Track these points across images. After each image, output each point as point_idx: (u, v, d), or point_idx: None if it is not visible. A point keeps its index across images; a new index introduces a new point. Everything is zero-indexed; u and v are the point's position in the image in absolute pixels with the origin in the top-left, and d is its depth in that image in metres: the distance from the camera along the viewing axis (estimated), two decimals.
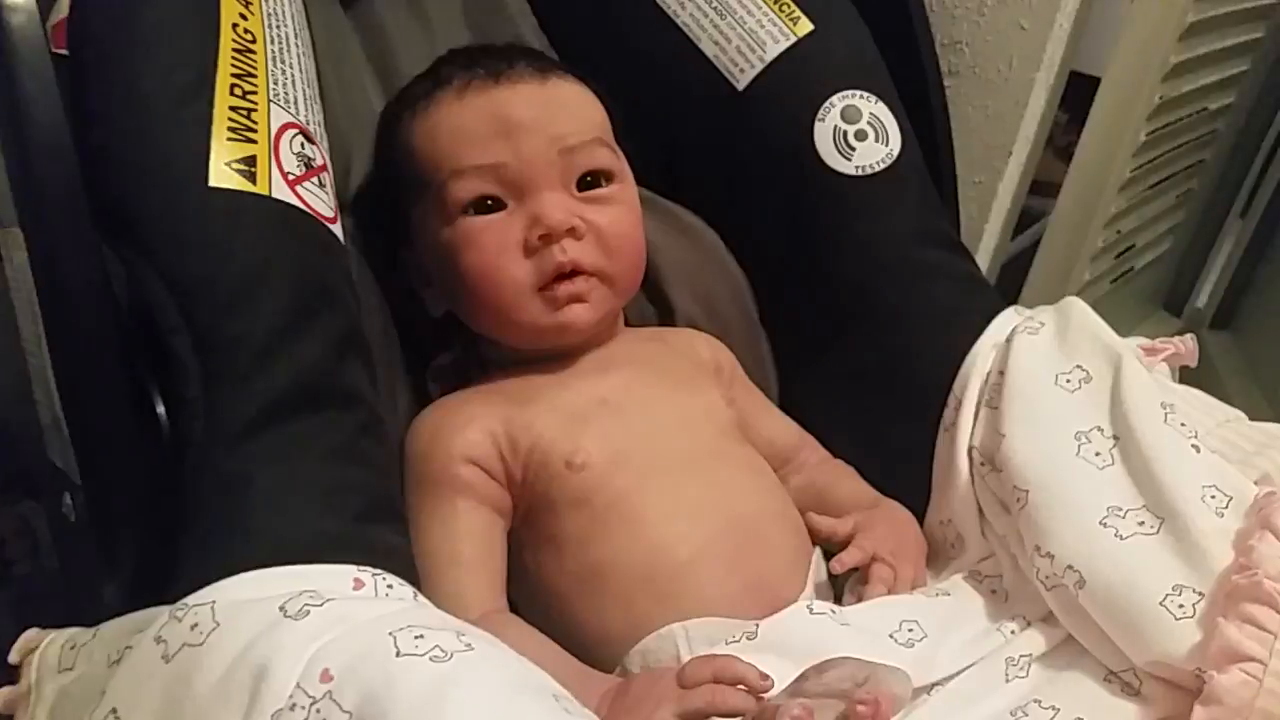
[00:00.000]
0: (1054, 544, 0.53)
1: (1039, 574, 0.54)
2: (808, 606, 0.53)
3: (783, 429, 0.68)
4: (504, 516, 0.57)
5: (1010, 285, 0.90)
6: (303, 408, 0.49)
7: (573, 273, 0.58)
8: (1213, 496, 0.52)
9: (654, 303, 0.71)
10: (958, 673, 0.52)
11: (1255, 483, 0.54)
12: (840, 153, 0.67)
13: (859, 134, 0.67)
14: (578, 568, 0.55)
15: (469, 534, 0.55)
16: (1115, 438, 0.56)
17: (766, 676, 0.46)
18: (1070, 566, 0.52)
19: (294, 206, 0.52)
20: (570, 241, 0.57)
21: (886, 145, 0.67)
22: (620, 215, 0.59)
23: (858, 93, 0.67)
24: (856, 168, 0.67)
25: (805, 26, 0.68)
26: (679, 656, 0.52)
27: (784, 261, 0.70)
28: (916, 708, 0.50)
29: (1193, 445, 0.55)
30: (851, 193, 0.67)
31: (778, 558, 0.57)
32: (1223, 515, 0.51)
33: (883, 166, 0.67)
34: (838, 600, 0.58)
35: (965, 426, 0.62)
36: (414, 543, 0.53)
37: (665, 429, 0.59)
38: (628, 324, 0.68)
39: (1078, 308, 0.64)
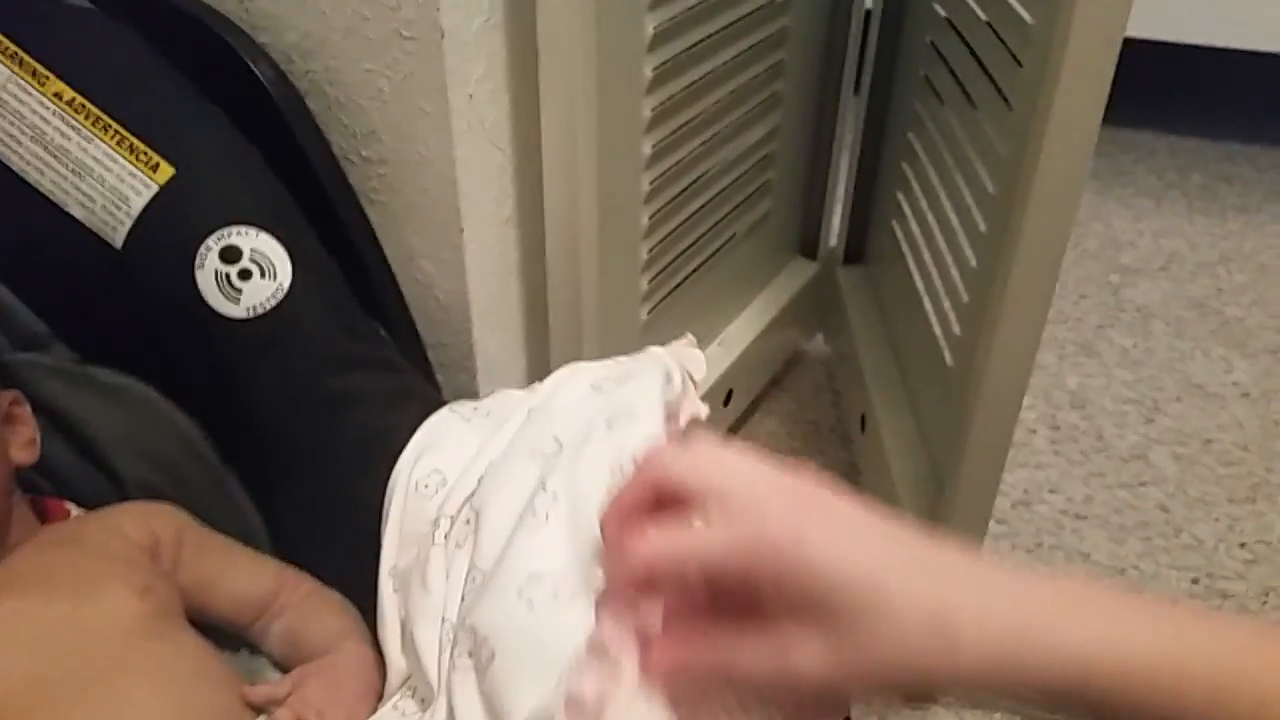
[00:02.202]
0: (480, 617, 0.51)
1: (463, 653, 0.52)
2: None
3: (253, 577, 0.67)
4: None
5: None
6: None
7: None
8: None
9: (104, 475, 0.69)
10: None
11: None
12: (227, 297, 0.65)
13: (243, 273, 0.65)
14: None
15: None
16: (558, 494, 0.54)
17: None
18: (487, 639, 0.50)
19: None
20: None
21: (275, 279, 0.65)
22: None
23: (234, 229, 0.65)
24: (246, 309, 0.65)
25: (166, 171, 0.65)
26: None
27: (216, 409, 0.68)
28: None
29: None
30: (249, 336, 0.65)
31: None
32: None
33: (274, 304, 0.65)
34: None
35: (386, 546, 0.62)
36: None
37: (54, 656, 0.57)
38: (51, 515, 0.66)
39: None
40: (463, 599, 0.55)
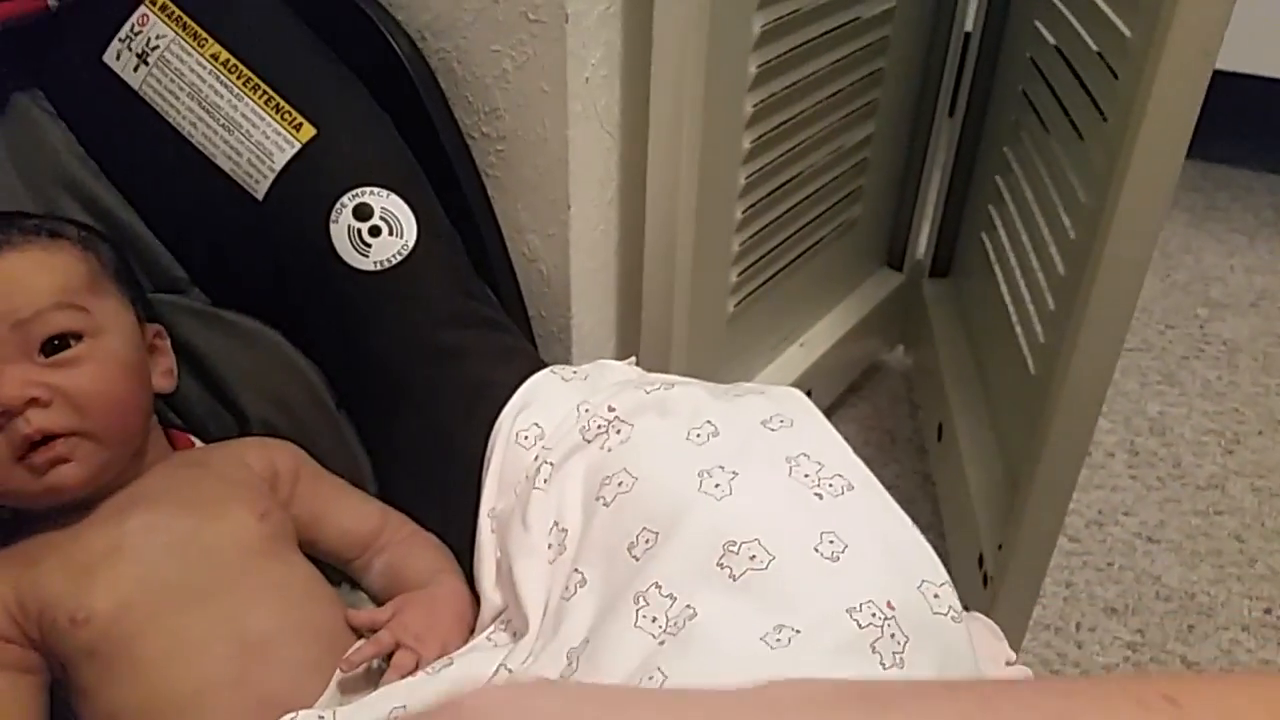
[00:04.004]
0: (677, 585, 0.53)
1: (648, 618, 0.53)
2: (291, 719, 0.57)
3: (360, 515, 0.72)
4: (35, 673, 0.61)
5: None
6: None
7: (48, 439, 0.60)
8: (830, 542, 0.54)
9: (230, 412, 0.75)
10: None
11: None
12: (358, 250, 0.70)
13: (373, 230, 0.70)
14: (96, 715, 0.59)
15: None
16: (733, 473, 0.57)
17: None
18: (688, 605, 0.52)
19: None
20: (36, 411, 0.60)
21: (401, 238, 0.70)
22: (90, 373, 0.62)
23: (367, 189, 0.70)
24: (375, 263, 0.69)
25: (308, 132, 0.70)
26: None
27: (336, 356, 0.73)
28: None
29: (815, 494, 0.57)
30: (374, 289, 0.70)
31: (290, 671, 0.60)
32: (838, 560, 0.53)
33: (399, 260, 0.69)
34: None
35: (487, 491, 0.66)
36: None
37: (181, 565, 0.62)
38: (179, 446, 0.71)
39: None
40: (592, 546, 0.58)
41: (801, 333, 1.21)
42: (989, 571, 0.96)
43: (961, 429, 1.11)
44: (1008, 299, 1.05)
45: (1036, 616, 1.08)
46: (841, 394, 1.34)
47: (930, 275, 1.31)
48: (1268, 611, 1.11)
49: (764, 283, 1.07)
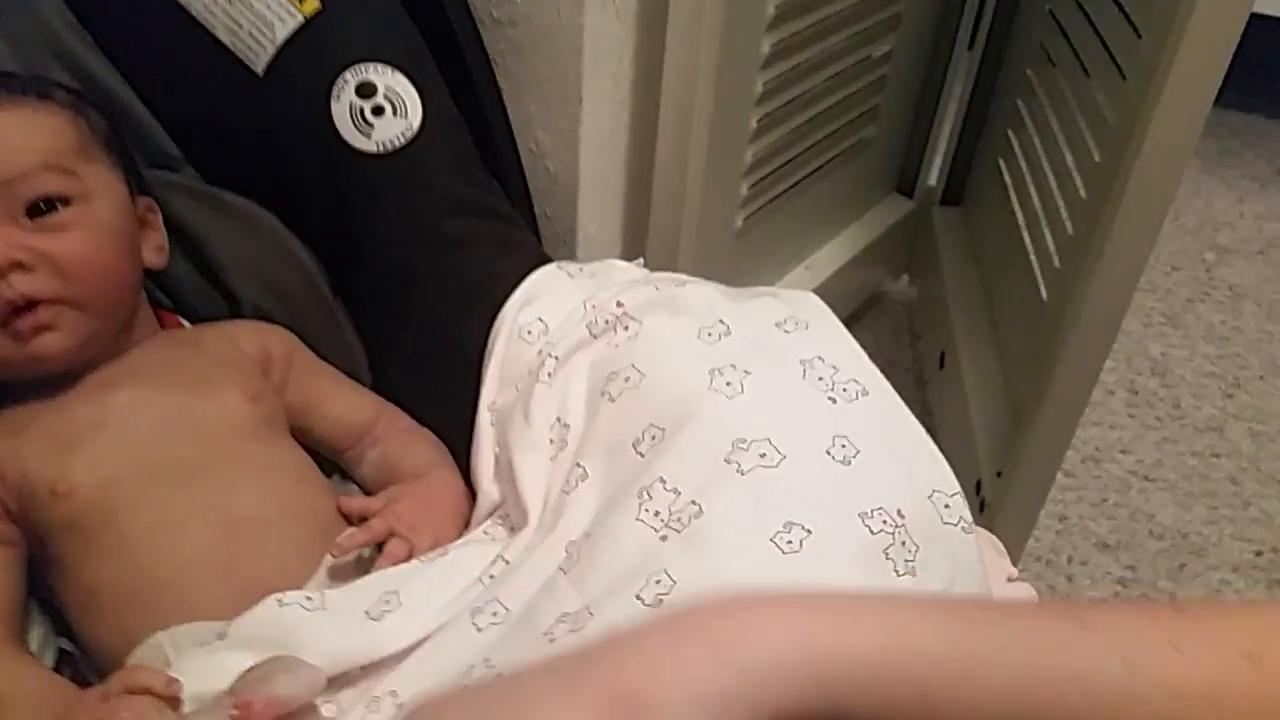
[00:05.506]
0: (683, 480, 0.52)
1: (650, 511, 0.52)
2: (277, 599, 0.55)
3: (353, 405, 0.70)
4: (12, 546, 0.59)
5: None
6: None
7: (31, 305, 0.58)
8: (843, 445, 0.53)
9: (221, 295, 0.72)
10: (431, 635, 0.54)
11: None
12: (359, 130, 0.67)
13: (376, 109, 0.67)
14: (76, 589, 0.58)
15: None
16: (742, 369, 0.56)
17: (173, 681, 0.49)
18: (693, 501, 0.51)
19: None
20: (19, 275, 0.57)
21: (406, 119, 0.67)
22: (77, 239, 0.59)
23: (372, 66, 0.67)
24: (377, 144, 0.67)
25: (312, 5, 0.67)
26: (169, 661, 0.55)
27: (333, 240, 0.70)
28: (385, 675, 0.53)
29: (829, 399, 0.55)
30: (376, 170, 0.67)
31: (278, 555, 0.59)
32: (849, 464, 0.52)
33: (403, 142, 0.67)
34: None
35: (487, 384, 0.64)
36: None
37: (168, 442, 0.60)
38: (167, 326, 0.69)
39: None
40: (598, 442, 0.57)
41: (808, 254, 1.18)
42: (986, 498, 0.95)
43: (965, 357, 1.09)
44: (1023, 225, 1.03)
45: (1029, 548, 1.08)
46: (843, 320, 1.32)
47: (941, 203, 1.29)
48: (1258, 554, 1.11)
49: (774, 198, 1.04)
